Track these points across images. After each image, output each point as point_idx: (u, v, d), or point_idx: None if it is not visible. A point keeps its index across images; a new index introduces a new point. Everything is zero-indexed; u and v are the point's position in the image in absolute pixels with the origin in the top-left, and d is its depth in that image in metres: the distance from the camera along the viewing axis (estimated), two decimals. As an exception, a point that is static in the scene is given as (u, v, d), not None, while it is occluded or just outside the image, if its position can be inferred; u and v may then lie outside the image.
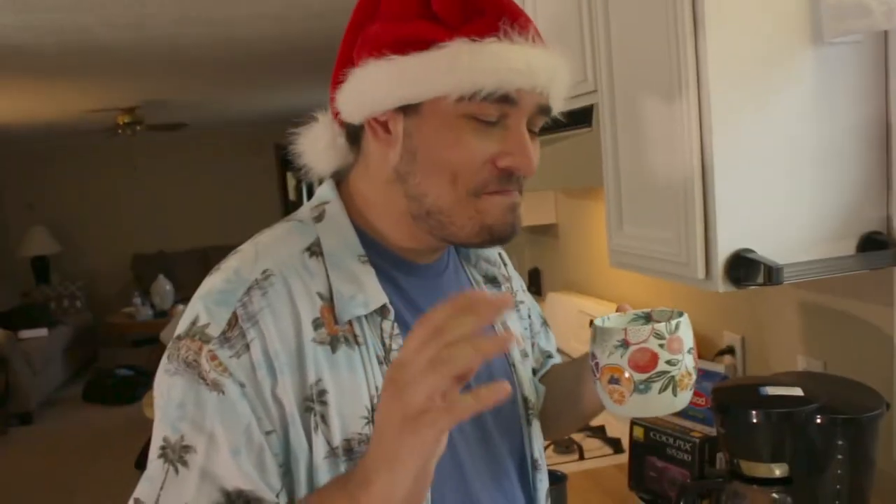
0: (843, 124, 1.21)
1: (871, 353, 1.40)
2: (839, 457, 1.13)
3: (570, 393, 1.07)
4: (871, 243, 1.23)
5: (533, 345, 1.17)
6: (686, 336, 0.83)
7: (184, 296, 7.31)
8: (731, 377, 1.77)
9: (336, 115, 0.91)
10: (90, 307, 8.40)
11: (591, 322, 0.88)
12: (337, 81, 0.88)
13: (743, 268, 1.17)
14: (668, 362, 0.81)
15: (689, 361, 0.83)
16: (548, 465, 1.79)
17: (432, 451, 0.67)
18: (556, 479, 1.50)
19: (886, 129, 1.22)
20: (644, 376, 0.81)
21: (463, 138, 0.82)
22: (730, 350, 1.82)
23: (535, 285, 3.24)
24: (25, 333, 6.57)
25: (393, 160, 0.85)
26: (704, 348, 1.95)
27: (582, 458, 1.91)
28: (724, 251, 1.18)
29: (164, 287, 7.03)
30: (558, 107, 0.89)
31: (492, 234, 0.86)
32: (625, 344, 0.81)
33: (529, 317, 1.16)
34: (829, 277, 1.33)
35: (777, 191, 1.19)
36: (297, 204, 9.90)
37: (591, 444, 1.97)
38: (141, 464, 4.80)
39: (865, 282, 1.38)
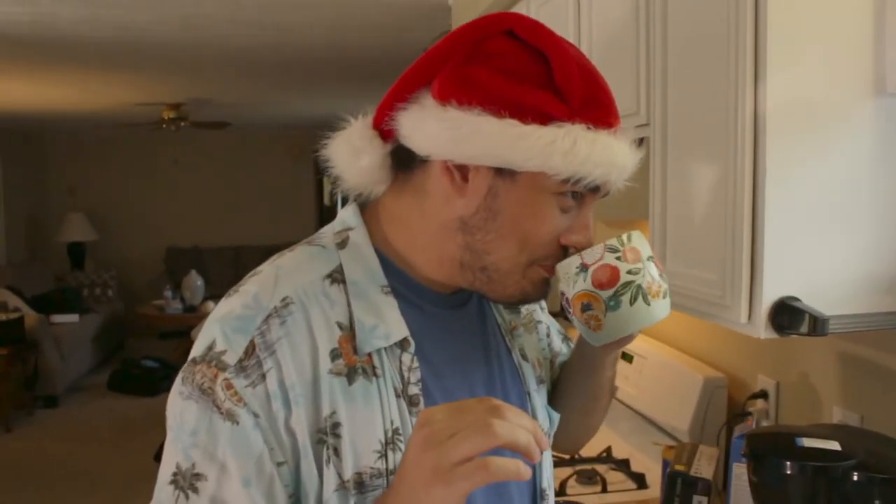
0: (899, 178, 1.19)
1: (911, 410, 1.37)
2: (874, 516, 1.11)
3: (575, 371, 1.08)
4: (919, 299, 1.21)
5: (552, 362, 1.16)
6: (641, 246, 0.84)
7: (214, 292, 7.38)
8: (763, 423, 1.74)
9: (384, 130, 0.88)
10: (121, 296, 8.51)
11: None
12: (399, 98, 0.85)
13: (787, 316, 1.16)
14: (630, 272, 0.82)
15: (651, 269, 0.84)
16: (569, 497, 1.78)
17: (459, 503, 0.67)
18: (579, 511, 1.49)
19: (943, 186, 1.20)
20: (610, 292, 0.82)
21: (549, 214, 0.83)
22: (763, 394, 1.79)
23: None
24: (57, 318, 6.66)
25: (462, 210, 0.84)
26: (737, 391, 1.93)
27: (605, 490, 1.88)
28: (769, 297, 1.17)
29: (195, 282, 7.09)
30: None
31: (527, 299, 0.89)
32: (583, 267, 0.82)
33: (549, 335, 1.15)
34: (871, 330, 1.31)
35: (827, 241, 1.18)
36: (332, 210, 9.96)
37: (614, 478, 1.95)
38: (160, 457, 4.83)
39: (910, 338, 1.36)
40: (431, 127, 0.82)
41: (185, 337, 6.23)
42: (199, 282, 7.10)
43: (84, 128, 8.51)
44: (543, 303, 1.17)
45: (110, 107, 6.66)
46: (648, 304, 0.83)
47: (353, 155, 0.89)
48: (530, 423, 0.68)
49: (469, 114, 0.79)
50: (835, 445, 1.16)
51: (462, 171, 0.83)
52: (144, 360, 6.73)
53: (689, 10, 1.36)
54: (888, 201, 1.19)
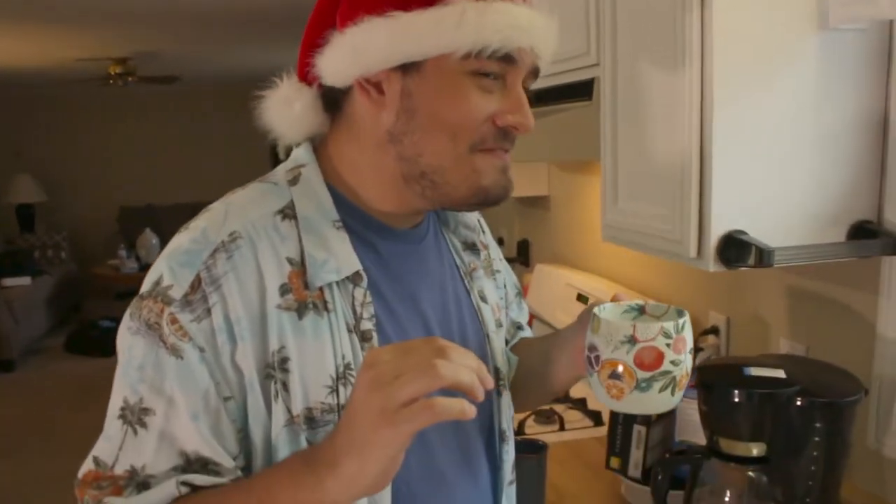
0: (842, 111, 1.21)
1: (852, 339, 1.42)
2: (816, 439, 1.15)
3: (535, 372, 1.06)
4: (861, 232, 1.24)
5: (505, 314, 1.17)
6: (689, 337, 0.83)
7: (170, 251, 7.28)
8: (715, 357, 1.79)
9: (308, 79, 0.89)
10: (75, 258, 8.36)
11: (591, 312, 0.86)
12: (312, 45, 0.87)
13: (734, 249, 1.18)
14: (673, 362, 0.80)
15: (689, 362, 0.83)
16: (528, 435, 1.82)
17: (405, 443, 0.68)
18: (537, 448, 1.52)
19: (884, 119, 1.23)
20: (648, 375, 0.80)
21: (467, 95, 0.81)
22: (714, 330, 1.84)
23: (524, 256, 3.25)
24: (8, 281, 6.56)
25: (387, 121, 0.84)
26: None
27: (563, 429, 1.93)
28: (717, 231, 1.19)
29: (150, 240, 7.00)
30: (545, 69, 0.89)
31: (487, 194, 0.86)
32: (633, 340, 0.80)
33: (505, 286, 1.16)
34: (817, 263, 1.34)
35: (773, 174, 1.20)
36: (288, 164, 9.85)
37: (571, 416, 2.00)
38: (121, 416, 4.82)
39: (853, 269, 1.40)
40: (338, 56, 0.83)
41: (142, 296, 6.15)
42: (154, 240, 7.01)
43: (28, 86, 8.24)
44: (500, 253, 1.17)
45: (54, 63, 6.45)
46: (672, 396, 0.82)
47: (285, 106, 0.91)
48: (475, 363, 0.68)
49: (360, 26, 0.81)
50: (780, 374, 1.20)
51: (376, 86, 0.84)
52: (102, 320, 6.65)
53: (637, -53, 1.35)
54: (831, 134, 1.21)
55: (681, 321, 0.81)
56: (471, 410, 0.66)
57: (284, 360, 0.80)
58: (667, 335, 0.79)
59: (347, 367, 0.82)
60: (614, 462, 1.61)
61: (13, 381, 5.89)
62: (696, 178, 1.20)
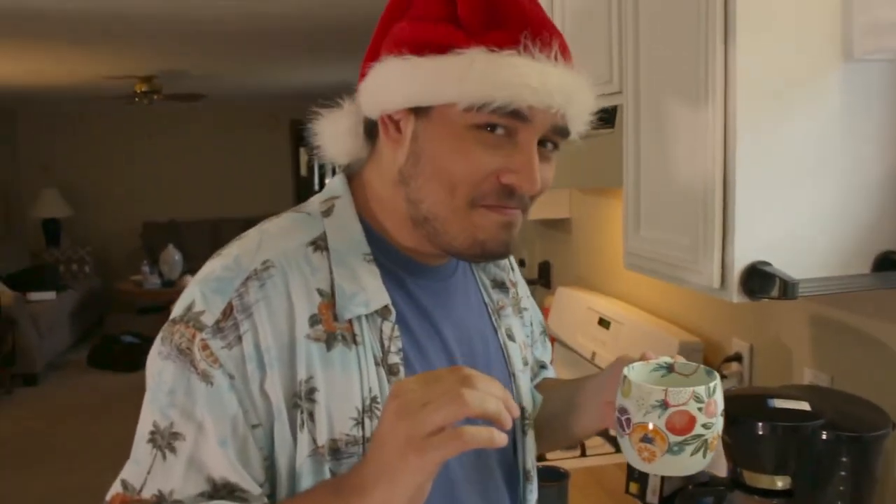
0: (867, 142, 1.20)
1: (879, 370, 1.40)
2: (842, 473, 1.14)
3: (558, 417, 1.05)
4: (886, 262, 1.23)
5: (531, 351, 1.16)
6: (720, 399, 0.82)
7: (192, 266, 7.33)
8: (738, 385, 1.77)
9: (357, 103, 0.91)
10: (98, 272, 8.44)
11: (621, 371, 0.85)
12: (363, 72, 0.88)
13: (758, 280, 1.17)
14: (705, 426, 0.79)
15: (720, 424, 0.82)
16: (549, 461, 1.81)
17: (433, 472, 0.68)
18: (559, 475, 1.51)
19: (911, 149, 1.22)
20: (680, 439, 0.79)
21: (468, 149, 0.80)
22: (737, 357, 1.82)
23: (545, 279, 3.24)
24: (34, 296, 6.61)
25: (400, 160, 0.84)
26: (712, 354, 1.96)
27: (584, 454, 1.92)
28: (740, 262, 1.19)
29: (173, 256, 7.05)
30: (578, 128, 0.86)
31: (484, 249, 0.85)
32: (664, 405, 0.79)
33: (531, 324, 1.15)
34: (842, 293, 1.33)
35: (797, 205, 1.19)
36: (309, 181, 9.90)
37: (593, 441, 1.99)
38: (142, 431, 4.84)
39: (878, 299, 1.38)
40: (369, 87, 0.85)
41: (164, 312, 6.19)
42: (177, 256, 7.07)
43: (57, 102, 8.36)
44: (528, 290, 1.17)
45: (82, 81, 6.54)
46: (704, 458, 0.81)
47: (334, 124, 0.92)
48: (500, 391, 0.69)
49: (382, 63, 0.82)
50: (805, 406, 1.18)
51: (396, 124, 0.84)
52: (124, 335, 6.70)
53: (661, -24, 1.36)
54: (856, 165, 1.20)
55: (712, 385, 0.80)
56: (500, 438, 0.67)
57: (312, 391, 0.80)
58: (698, 399, 0.79)
59: (374, 399, 0.83)
60: (633, 487, 1.61)
61: (37, 395, 5.95)
62: (720, 209, 1.20)
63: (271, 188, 9.34)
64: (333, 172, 0.98)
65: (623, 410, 0.82)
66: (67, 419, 5.36)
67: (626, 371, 0.84)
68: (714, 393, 0.80)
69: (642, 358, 0.91)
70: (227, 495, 0.79)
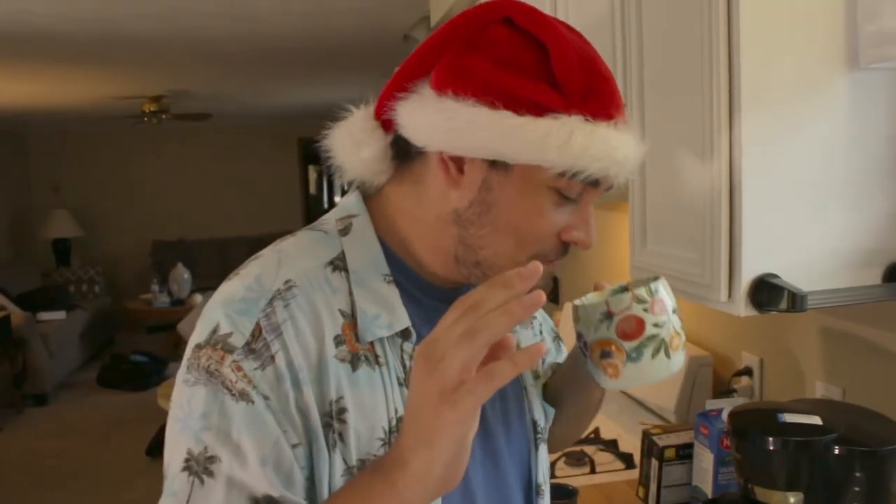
0: (874, 150, 1.19)
1: (892, 383, 1.38)
2: (856, 489, 1.12)
3: (567, 386, 1.05)
4: (897, 273, 1.21)
5: (542, 362, 1.15)
6: (667, 297, 0.83)
7: (201, 285, 7.36)
8: (748, 399, 1.75)
9: (384, 121, 0.87)
10: (108, 292, 8.47)
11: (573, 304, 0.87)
12: (399, 88, 0.84)
13: (766, 293, 1.16)
14: (655, 325, 0.80)
15: (675, 321, 0.83)
16: (559, 479, 1.79)
17: (470, 423, 0.67)
18: (567, 493, 1.49)
19: (919, 159, 1.21)
20: (634, 343, 0.80)
21: (544, 209, 0.81)
22: (747, 371, 1.81)
23: (553, 293, 3.23)
24: (44, 315, 6.63)
25: (457, 202, 0.83)
26: (722, 368, 1.94)
27: (593, 471, 1.89)
28: (748, 275, 1.17)
29: (182, 275, 7.07)
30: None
31: None
32: (609, 315, 0.80)
33: (541, 332, 1.15)
34: (853, 304, 1.31)
35: (805, 216, 1.18)
36: (318, 198, 9.94)
37: (602, 458, 1.96)
38: (152, 451, 4.84)
39: (890, 311, 1.37)
40: (428, 117, 0.81)
41: (173, 330, 6.22)
42: (186, 275, 7.08)
43: (66, 123, 8.43)
44: None
45: (91, 101, 6.60)
46: (668, 358, 0.81)
47: (354, 146, 0.88)
48: (501, 294, 0.66)
49: (464, 105, 0.78)
50: (816, 420, 1.17)
51: (457, 163, 0.81)
52: (134, 354, 6.70)
53: (663, -11, 1.35)
54: (863, 175, 1.19)
55: (652, 285, 0.82)
56: (531, 356, 0.65)
57: (342, 411, 0.79)
58: (641, 300, 0.80)
59: (399, 419, 0.82)
60: (641, 491, 1.62)
61: (47, 415, 5.95)
62: (726, 221, 1.19)
63: (280, 206, 9.37)
64: (343, 190, 0.96)
65: (579, 336, 0.83)
66: (77, 438, 5.36)
67: (576, 302, 0.85)
68: (656, 292, 0.81)
69: (596, 288, 0.92)
70: None
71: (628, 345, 0.80)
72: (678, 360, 0.83)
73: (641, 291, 0.80)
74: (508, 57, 0.79)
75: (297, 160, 9.57)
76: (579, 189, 0.81)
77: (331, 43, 4.46)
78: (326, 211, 0.93)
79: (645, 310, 0.80)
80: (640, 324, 0.80)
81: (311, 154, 10.20)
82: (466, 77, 0.79)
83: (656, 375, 0.82)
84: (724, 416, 1.49)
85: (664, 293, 0.82)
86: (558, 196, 0.81)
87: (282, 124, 9.22)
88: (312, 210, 9.90)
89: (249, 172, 9.30)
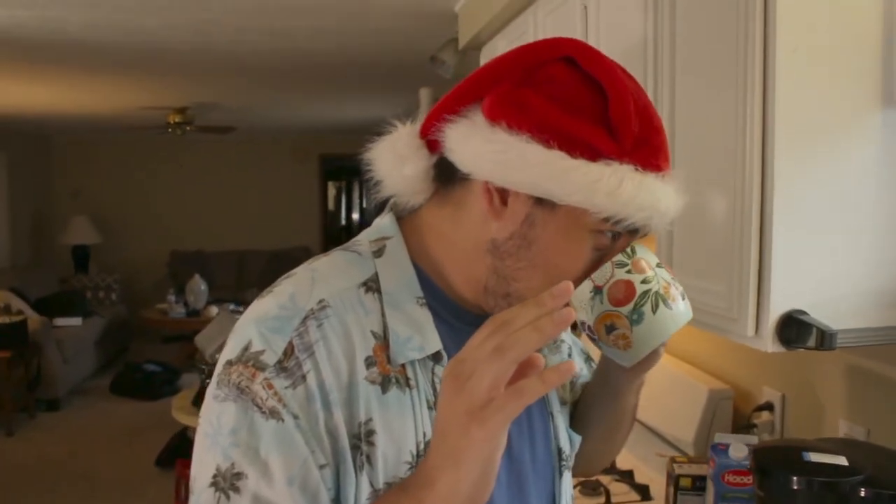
0: (908, 190, 1.18)
1: (918, 425, 1.36)
2: (881, 532, 1.10)
3: (598, 397, 1.05)
4: (928, 314, 1.20)
5: (572, 383, 1.14)
6: (647, 255, 0.83)
7: (217, 296, 7.38)
8: (768, 435, 1.73)
9: (430, 140, 0.87)
10: (125, 300, 8.51)
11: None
12: (450, 110, 0.84)
13: (794, 329, 1.15)
14: (643, 281, 0.81)
15: (663, 273, 0.83)
16: (574, 508, 1.77)
17: (498, 442, 0.67)
18: (583, 523, 1.47)
19: (953, 199, 1.19)
20: (630, 306, 0.80)
21: (583, 250, 0.81)
22: (768, 406, 1.78)
23: (575, 324, 3.21)
24: (60, 321, 6.66)
25: (497, 233, 0.82)
26: (743, 402, 1.91)
27: (608, 502, 1.87)
28: (776, 310, 1.16)
29: (199, 286, 7.08)
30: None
31: None
32: (597, 290, 0.81)
33: (570, 355, 1.14)
34: (880, 345, 1.29)
35: (835, 252, 1.17)
36: (336, 214, 9.98)
37: (618, 489, 1.94)
38: (161, 461, 4.83)
39: (918, 352, 1.35)
40: (478, 145, 0.80)
41: (188, 341, 6.22)
42: (203, 286, 7.09)
43: (90, 131, 8.52)
44: None
45: (116, 110, 6.67)
46: (671, 309, 0.82)
47: (397, 161, 0.88)
48: (532, 311, 0.66)
49: (517, 139, 0.78)
50: (842, 460, 1.15)
51: (502, 194, 0.81)
52: (147, 364, 6.72)
53: (698, 21, 1.35)
54: (892, 213, 1.18)
55: (627, 249, 0.82)
56: (561, 374, 0.64)
57: (370, 433, 0.79)
58: (621, 265, 0.81)
59: (427, 443, 0.81)
60: None
61: (58, 421, 5.96)
62: (756, 256, 1.18)
63: (298, 221, 9.40)
64: (361, 207, 0.96)
65: (583, 324, 0.84)
66: (88, 445, 5.36)
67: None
68: (634, 253, 0.82)
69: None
70: None
71: (625, 309, 0.81)
72: (681, 308, 0.83)
73: (619, 256, 0.81)
74: (567, 97, 0.79)
75: (317, 176, 9.62)
76: (619, 234, 0.82)
77: (359, 61, 4.50)
78: (344, 227, 0.92)
79: (628, 271, 0.81)
80: (629, 285, 0.80)
81: (331, 170, 10.25)
82: (522, 111, 0.79)
83: (666, 329, 0.82)
84: (731, 451, 1.47)
85: (643, 252, 0.83)
86: (598, 238, 0.81)
87: (303, 139, 9.28)
88: (330, 226, 9.94)
89: (269, 186, 9.36)
